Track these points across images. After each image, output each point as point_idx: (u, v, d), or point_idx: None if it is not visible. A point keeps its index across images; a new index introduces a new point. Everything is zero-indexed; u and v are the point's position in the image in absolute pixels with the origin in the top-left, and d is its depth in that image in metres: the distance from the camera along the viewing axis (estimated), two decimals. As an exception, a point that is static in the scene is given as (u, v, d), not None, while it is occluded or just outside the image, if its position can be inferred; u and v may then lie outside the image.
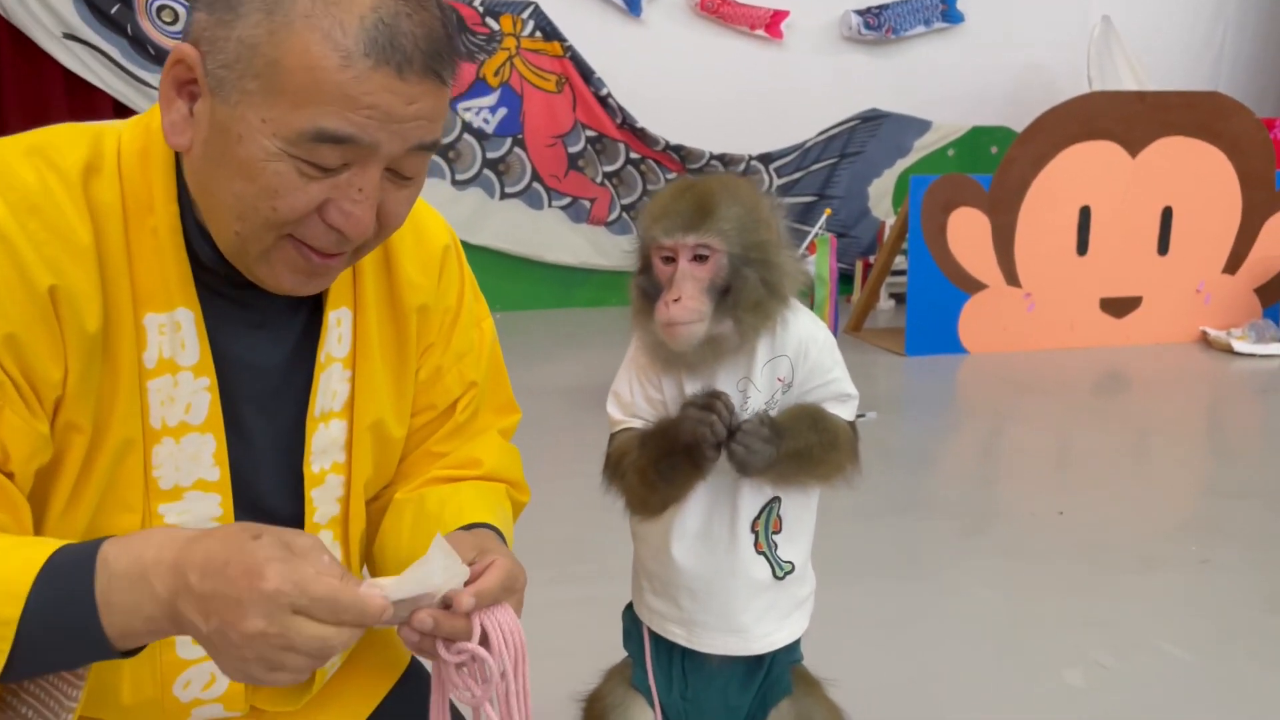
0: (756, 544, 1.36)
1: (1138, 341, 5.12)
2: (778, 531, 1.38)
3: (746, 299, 1.25)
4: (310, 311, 1.07)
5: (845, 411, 1.38)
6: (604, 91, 6.08)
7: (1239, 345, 4.86)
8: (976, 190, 4.85)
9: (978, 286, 4.96)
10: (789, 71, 6.79)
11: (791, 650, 1.42)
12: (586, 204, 6.26)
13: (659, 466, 1.29)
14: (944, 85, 7.05)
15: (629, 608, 1.49)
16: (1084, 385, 4.59)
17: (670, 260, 1.25)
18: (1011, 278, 4.97)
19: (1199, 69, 7.30)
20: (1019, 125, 6.11)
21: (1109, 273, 5.05)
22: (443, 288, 1.24)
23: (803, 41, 6.89)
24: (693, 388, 1.32)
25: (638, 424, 1.36)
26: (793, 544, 1.39)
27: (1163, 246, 5.07)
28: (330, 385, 1.11)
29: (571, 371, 4.89)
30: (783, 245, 1.31)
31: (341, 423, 1.14)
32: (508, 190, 6.12)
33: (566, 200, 6.23)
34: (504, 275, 6.21)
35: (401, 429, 1.21)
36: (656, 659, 1.43)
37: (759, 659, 1.39)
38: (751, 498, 1.33)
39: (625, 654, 1.49)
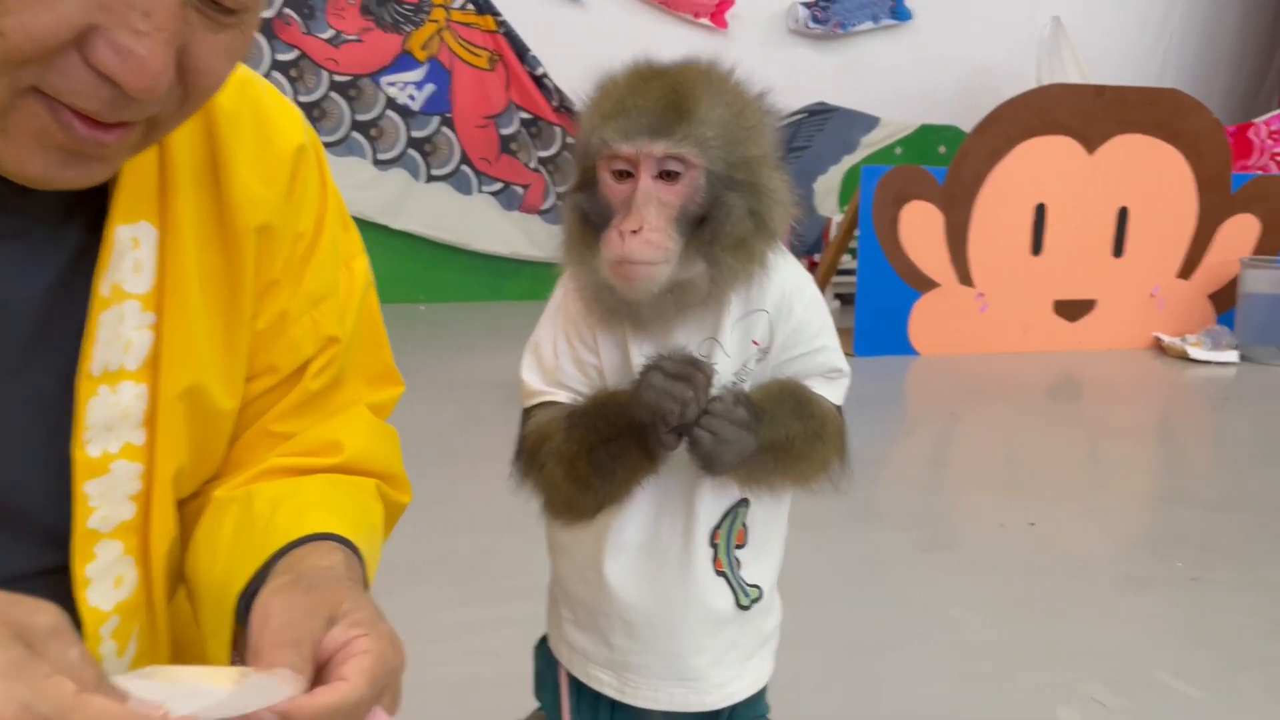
0: (716, 561, 1.03)
1: (1091, 346, 4.93)
2: (741, 545, 1.05)
3: (728, 234, 0.93)
4: (92, 225, 0.75)
5: (833, 393, 1.06)
6: (539, 71, 5.72)
7: (1194, 352, 4.70)
8: (930, 183, 4.61)
9: (929, 285, 4.72)
10: (733, 62, 6.52)
11: (755, 703, 1.10)
12: (519, 190, 5.88)
13: (594, 456, 0.95)
14: (892, 82, 6.88)
15: (542, 643, 1.16)
16: (1040, 390, 4.38)
17: (627, 176, 0.93)
18: (964, 277, 4.75)
19: (1146, 72, 7.23)
20: (968, 125, 5.94)
21: (1063, 274, 4.85)
22: (295, 204, 0.90)
23: (748, 32, 6.69)
24: (640, 350, 0.99)
25: (563, 397, 1.03)
26: (760, 561, 1.07)
27: (1118, 248, 4.90)
28: (118, 332, 0.78)
29: (501, 365, 4.51)
30: (774, 165, 0.99)
31: (138, 386, 0.80)
32: (434, 172, 5.71)
33: (498, 185, 5.85)
34: (429, 264, 5.81)
35: (231, 398, 0.88)
36: (578, 713, 1.09)
37: (713, 715, 1.06)
38: (713, 501, 1.01)
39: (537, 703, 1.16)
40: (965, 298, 4.75)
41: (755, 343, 1.01)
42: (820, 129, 6.72)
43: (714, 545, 1.02)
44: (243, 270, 0.86)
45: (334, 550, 0.81)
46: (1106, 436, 3.69)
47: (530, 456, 1.02)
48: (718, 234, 0.93)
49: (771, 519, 1.05)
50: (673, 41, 6.38)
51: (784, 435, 0.97)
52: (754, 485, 0.99)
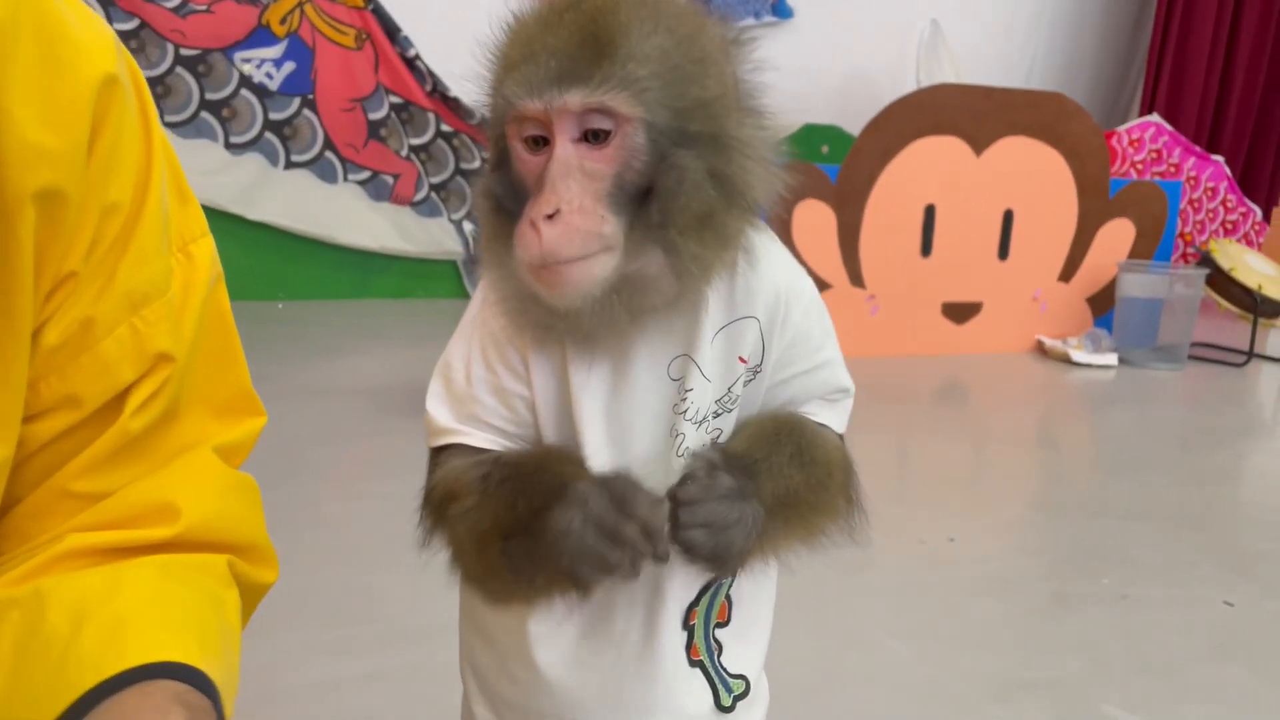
0: (691, 648, 0.78)
1: (977, 349, 4.91)
2: (724, 623, 0.80)
3: (684, 208, 0.69)
4: None
5: (836, 418, 0.82)
6: (411, 53, 5.34)
7: (1076, 355, 4.73)
8: (823, 181, 4.49)
9: (822, 286, 4.56)
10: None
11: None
12: (389, 180, 5.48)
13: (510, 547, 0.70)
14: (774, 80, 6.75)
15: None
16: (934, 395, 4.31)
17: (541, 143, 0.70)
18: (856, 278, 4.64)
19: (1013, 77, 7.37)
20: (849, 125, 5.88)
21: (951, 277, 4.81)
22: (101, 163, 0.65)
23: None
24: (585, 375, 0.73)
25: (478, 438, 0.75)
26: (745, 642, 0.82)
27: (1003, 251, 4.89)
28: None
29: (369, 369, 4.15)
30: (743, 109, 0.75)
31: None
32: (295, 158, 5.26)
33: (365, 174, 5.43)
34: (288, 258, 5.34)
35: (2, 444, 0.63)
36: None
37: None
38: (687, 570, 0.75)
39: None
40: (857, 300, 4.65)
41: (742, 360, 0.77)
42: (704, 125, 6.56)
43: (688, 628, 0.77)
44: (13, 258, 0.57)
45: (170, 703, 0.53)
46: (1004, 442, 3.62)
47: (437, 509, 0.75)
48: (670, 209, 0.69)
49: (761, 586, 0.81)
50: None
51: (786, 488, 0.73)
52: (764, 557, 0.74)
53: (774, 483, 0.72)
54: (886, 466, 3.24)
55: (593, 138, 0.68)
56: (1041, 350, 4.97)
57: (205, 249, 0.74)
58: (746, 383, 0.77)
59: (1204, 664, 1.92)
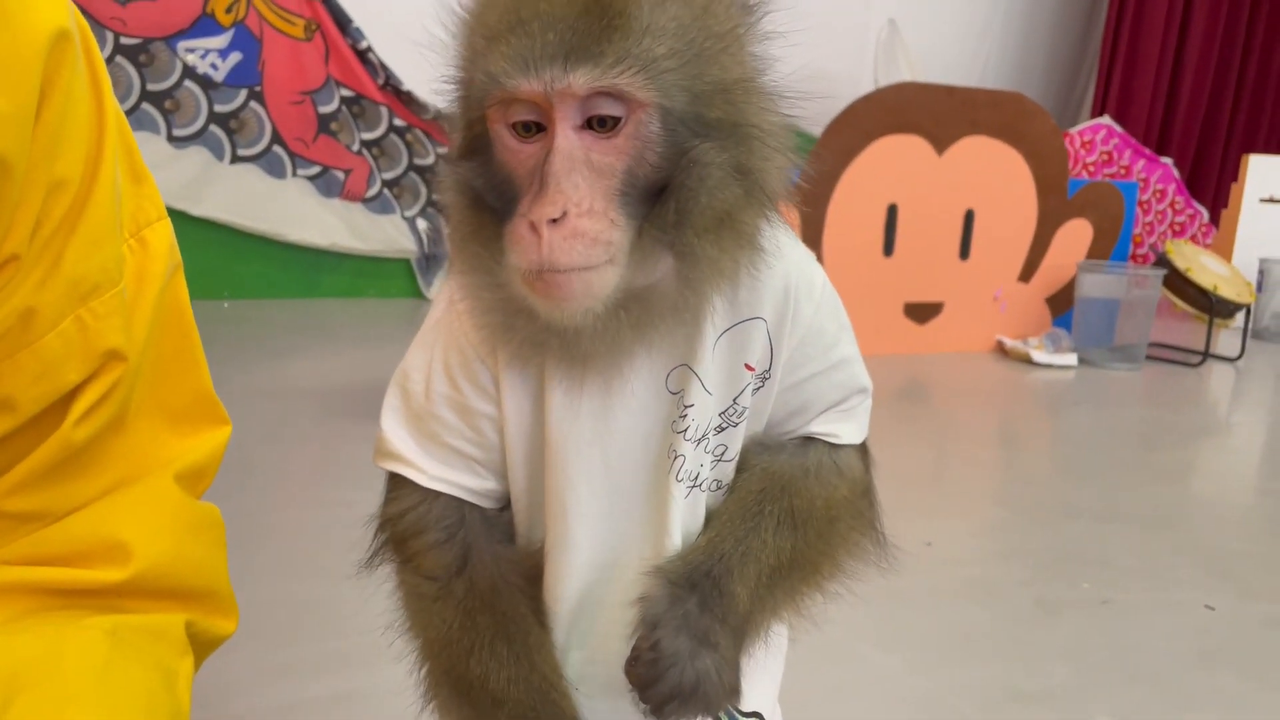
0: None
1: (938, 349, 4.90)
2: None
3: (706, 208, 0.62)
4: None
5: (851, 430, 0.75)
6: (363, 45, 5.18)
7: (1037, 355, 4.73)
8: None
9: (784, 285, 4.54)
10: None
11: None
12: (340, 175, 5.31)
13: (473, 657, 0.66)
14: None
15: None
16: (896, 396, 4.27)
17: (534, 130, 0.60)
18: (819, 277, 4.59)
19: (968, 79, 7.40)
20: (807, 124, 5.84)
21: (913, 277, 4.79)
22: (49, 132, 0.56)
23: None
24: (568, 396, 0.65)
25: (435, 467, 0.67)
26: (759, 675, 0.74)
27: (964, 251, 4.88)
28: None
29: (318, 370, 4.01)
30: (762, 92, 0.67)
31: None
32: (241, 152, 5.07)
33: (315, 169, 5.26)
34: (234, 255, 5.16)
35: None
36: None
37: None
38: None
39: None
40: (819, 299, 4.61)
41: (749, 367, 0.69)
42: (662, 123, 6.50)
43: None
44: None
45: None
46: (971, 444, 3.60)
47: (398, 545, 0.67)
48: (689, 210, 0.61)
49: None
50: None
51: (776, 561, 0.66)
52: (765, 637, 0.68)
53: (757, 566, 0.65)
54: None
55: (598, 125, 0.59)
56: (1002, 350, 4.97)
57: (162, 235, 0.65)
58: (755, 391, 0.69)
59: (1192, 671, 1.87)
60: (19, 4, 0.52)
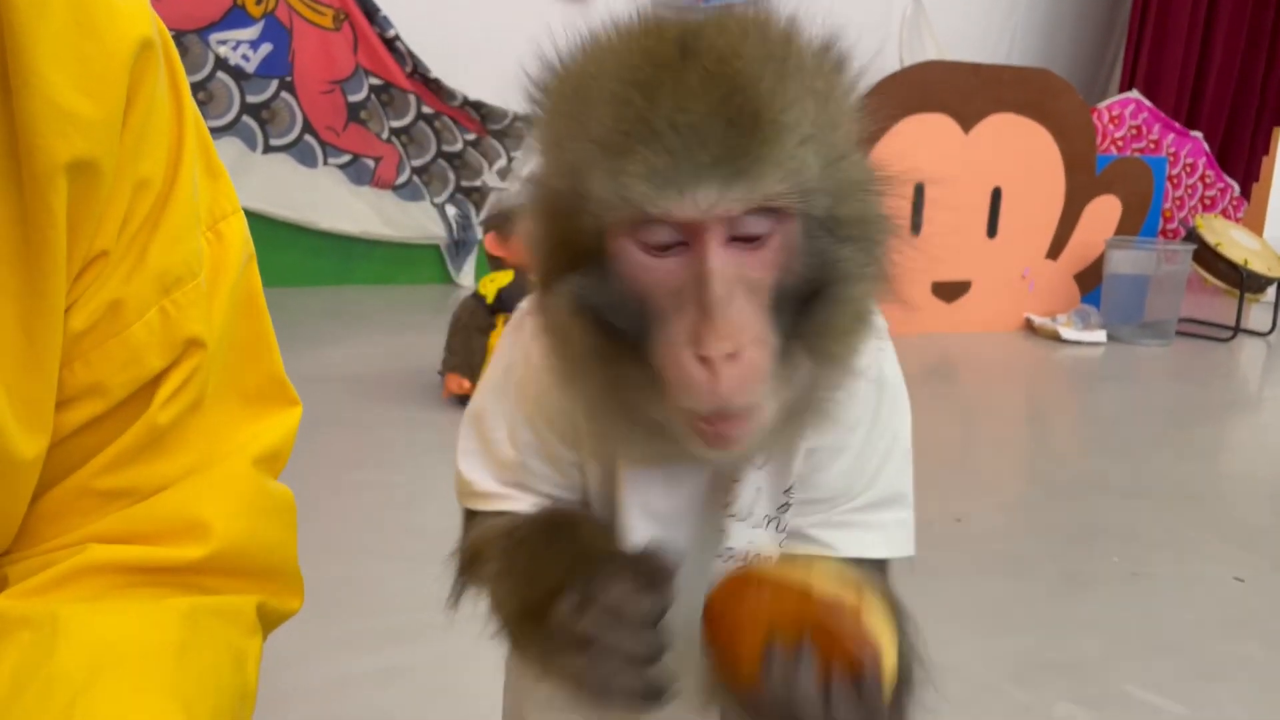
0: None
1: (967, 328, 4.90)
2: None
3: (846, 314, 0.58)
4: None
5: (884, 543, 0.77)
6: (391, 33, 5.23)
7: (1066, 332, 4.73)
8: (812, 160, 4.45)
9: (811, 266, 4.57)
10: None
11: None
12: (370, 163, 5.38)
13: (541, 644, 0.61)
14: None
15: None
16: (927, 374, 4.29)
17: (672, 248, 0.55)
18: (846, 257, 4.62)
19: (994, 56, 7.35)
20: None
21: (940, 255, 4.78)
22: (135, 134, 0.60)
23: (611, 5, 6.36)
24: (639, 494, 0.67)
25: (523, 502, 0.68)
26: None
27: (992, 229, 4.87)
28: None
29: (352, 356, 4.07)
30: (874, 174, 0.62)
31: None
32: (273, 142, 5.15)
33: (346, 158, 5.33)
34: (268, 244, 5.22)
35: (35, 437, 0.58)
36: None
37: None
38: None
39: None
40: (846, 279, 4.63)
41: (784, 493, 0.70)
42: (687, 105, 6.51)
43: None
44: (47, 231, 0.53)
45: None
46: (1000, 421, 3.61)
47: (466, 572, 0.71)
48: (834, 317, 0.57)
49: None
50: (533, 7, 6.08)
51: None
52: None
53: None
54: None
55: (743, 241, 0.54)
56: (1030, 328, 4.97)
57: (236, 227, 0.70)
58: (778, 515, 0.70)
59: (1221, 642, 1.90)
60: (107, 16, 0.57)
